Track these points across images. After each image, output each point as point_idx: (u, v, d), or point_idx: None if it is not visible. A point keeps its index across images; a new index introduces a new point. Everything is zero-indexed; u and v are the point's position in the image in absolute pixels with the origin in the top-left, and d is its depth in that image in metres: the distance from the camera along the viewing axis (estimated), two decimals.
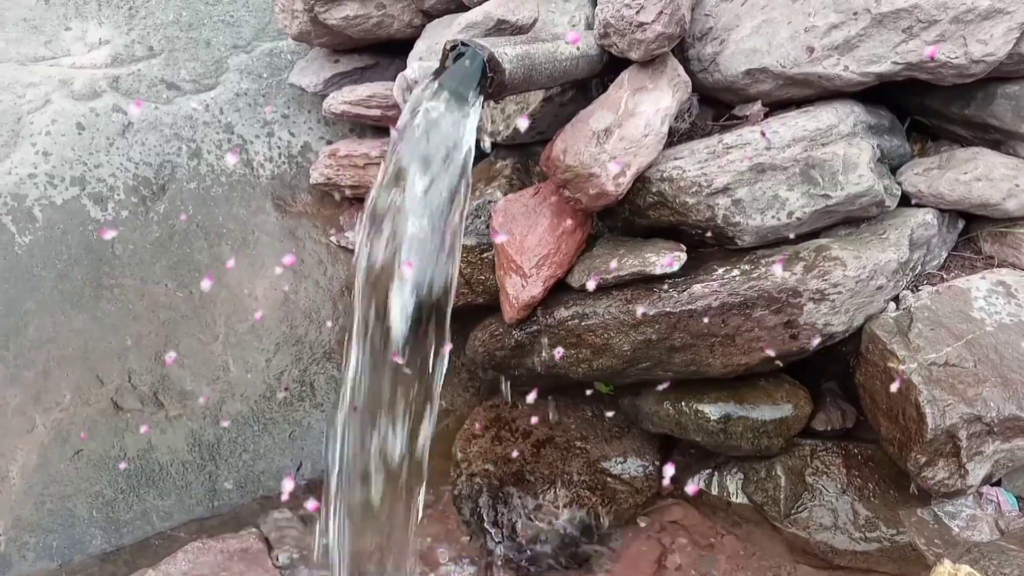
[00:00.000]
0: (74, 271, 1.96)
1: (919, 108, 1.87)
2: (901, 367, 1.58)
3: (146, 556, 1.71)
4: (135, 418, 1.88)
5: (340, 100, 2.16)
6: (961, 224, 1.86)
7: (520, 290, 1.75)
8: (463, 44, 1.41)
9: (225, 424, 1.93)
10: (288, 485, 1.84)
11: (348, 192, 2.22)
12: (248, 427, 1.98)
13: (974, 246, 1.87)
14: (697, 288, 1.66)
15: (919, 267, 1.77)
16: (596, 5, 1.69)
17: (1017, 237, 1.78)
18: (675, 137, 1.84)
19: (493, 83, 1.42)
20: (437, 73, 1.44)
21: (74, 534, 1.76)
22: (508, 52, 1.45)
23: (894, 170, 1.83)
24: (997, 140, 1.77)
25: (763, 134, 1.62)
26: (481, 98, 1.44)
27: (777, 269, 1.61)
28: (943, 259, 1.84)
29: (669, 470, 1.77)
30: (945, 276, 1.80)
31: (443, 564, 1.75)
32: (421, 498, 1.56)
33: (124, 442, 1.85)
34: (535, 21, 1.88)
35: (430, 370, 1.66)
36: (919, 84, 1.72)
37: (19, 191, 1.99)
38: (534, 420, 1.94)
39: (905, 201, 1.79)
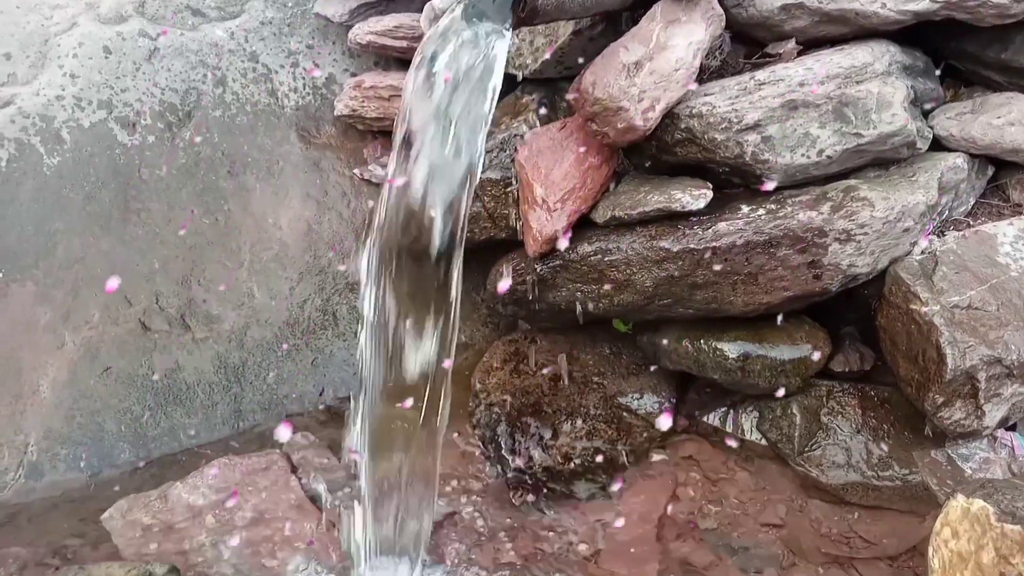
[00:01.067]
0: (102, 193, 1.98)
1: (954, 52, 1.84)
2: (923, 309, 1.58)
3: (173, 471, 1.76)
4: (162, 339, 1.92)
5: (366, 31, 2.15)
6: (991, 171, 1.85)
7: (544, 224, 1.76)
8: None
9: (249, 348, 1.96)
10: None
11: (373, 125, 2.22)
12: (272, 352, 2.01)
13: (1002, 193, 1.85)
14: (722, 226, 1.66)
15: (946, 212, 1.76)
16: None
17: None
18: (705, 75, 1.82)
19: (526, 7, 1.40)
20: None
21: (103, 447, 1.81)
22: None
23: (926, 114, 1.81)
24: None
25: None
26: (512, 22, 1.42)
27: (804, 208, 1.61)
28: (971, 205, 1.83)
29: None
30: (972, 222, 1.79)
31: (462, 488, 1.79)
32: (443, 420, 1.59)
33: (152, 361, 1.89)
34: None
35: (451, 298, 1.68)
36: (956, 26, 1.69)
37: (47, 112, 2.00)
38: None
39: (936, 147, 1.78)
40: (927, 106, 1.82)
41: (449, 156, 1.70)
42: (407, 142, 1.64)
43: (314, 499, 1.75)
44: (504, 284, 1.87)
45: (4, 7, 2.08)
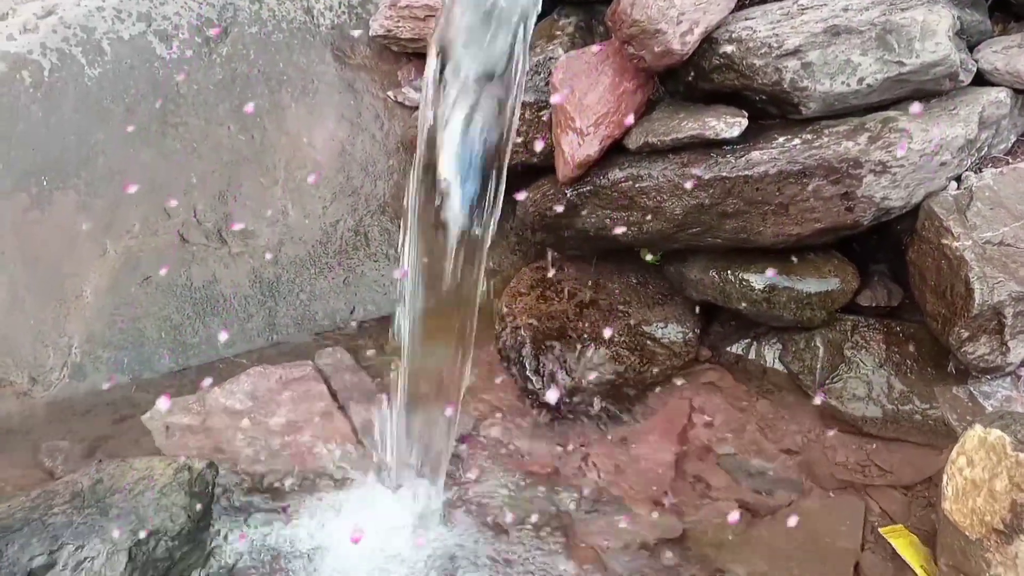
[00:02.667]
0: (141, 106, 2.01)
1: None
2: (955, 244, 1.57)
3: (211, 377, 1.83)
4: (200, 251, 1.97)
5: None
6: None
7: (576, 148, 1.76)
8: None
9: (283, 264, 2.01)
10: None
11: (408, 46, 2.21)
12: (305, 269, 2.06)
13: None
14: (755, 154, 1.65)
15: (985, 148, 1.73)
16: None
17: None
18: (746, 1, 1.79)
19: None
20: None
21: (144, 353, 1.88)
22: None
23: (972, 47, 1.77)
24: None
25: None
26: None
27: (841, 139, 1.59)
28: (1011, 143, 1.80)
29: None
30: (1011, 160, 1.76)
31: (486, 406, 1.84)
32: (470, 339, 1.63)
33: (190, 272, 1.95)
34: None
35: (483, 220, 1.71)
36: None
37: (88, 23, 2.02)
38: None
39: (980, 81, 1.74)
40: (973, 39, 1.78)
41: (486, 80, 1.71)
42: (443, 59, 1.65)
43: (343, 409, 1.81)
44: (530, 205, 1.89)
45: None
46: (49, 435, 1.69)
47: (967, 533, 1.33)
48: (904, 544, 1.46)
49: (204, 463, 1.48)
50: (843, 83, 1.59)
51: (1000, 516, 1.27)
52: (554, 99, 1.81)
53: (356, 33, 2.25)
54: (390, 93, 2.25)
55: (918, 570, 1.41)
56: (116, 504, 1.34)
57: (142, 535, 1.32)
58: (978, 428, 1.36)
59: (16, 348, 1.81)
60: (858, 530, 1.48)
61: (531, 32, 1.67)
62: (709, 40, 1.66)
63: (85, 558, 1.28)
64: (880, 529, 1.49)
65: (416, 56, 2.24)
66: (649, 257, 2.00)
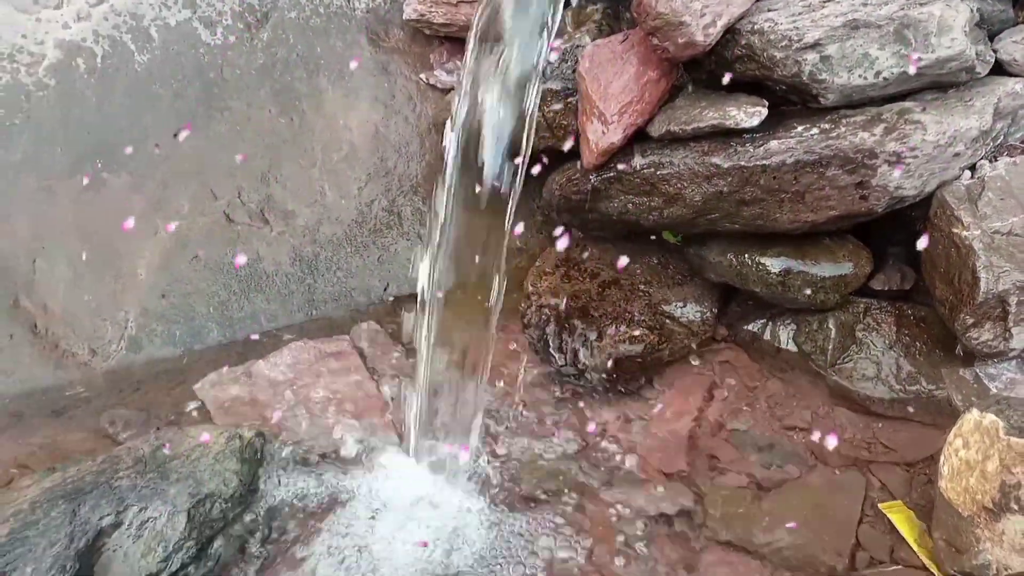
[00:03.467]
0: (187, 91, 2.11)
1: None
2: (964, 233, 1.63)
3: (255, 350, 1.96)
4: (244, 231, 2.09)
5: None
6: None
7: (600, 136, 1.83)
8: None
9: (321, 243, 2.12)
10: None
11: (440, 30, 2.28)
12: (342, 248, 2.17)
13: None
14: (774, 144, 1.71)
15: (1001, 137, 1.77)
16: None
17: None
18: None
19: None
20: None
21: (194, 326, 2.02)
22: None
23: (993, 36, 1.80)
24: None
25: None
26: None
27: (857, 129, 1.65)
28: None
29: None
30: None
31: (511, 380, 1.95)
32: (495, 317, 1.73)
33: (236, 251, 2.07)
34: None
35: (512, 198, 1.79)
36: None
37: (137, 11, 2.12)
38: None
39: (998, 70, 1.77)
40: (995, 27, 1.80)
41: (517, 67, 1.79)
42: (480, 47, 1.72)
43: (377, 381, 1.94)
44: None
45: None
46: (109, 403, 1.84)
47: (960, 510, 1.42)
48: (902, 519, 1.55)
49: (253, 432, 1.61)
50: (860, 76, 1.64)
51: (990, 495, 1.36)
52: (580, 87, 1.88)
53: (390, 16, 2.32)
54: (423, 75, 2.33)
55: (913, 544, 1.51)
56: (175, 469, 1.48)
57: (200, 498, 1.46)
58: (974, 412, 1.44)
59: (77, 321, 1.95)
60: (858, 505, 1.57)
61: (558, 22, 1.75)
62: (732, 31, 1.72)
63: (149, 518, 1.43)
64: (880, 504, 1.59)
65: (448, 39, 2.31)
66: (670, 237, 2.07)
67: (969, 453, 1.42)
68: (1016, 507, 1.32)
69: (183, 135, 2.06)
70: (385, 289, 2.19)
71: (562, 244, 1.97)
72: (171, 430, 1.61)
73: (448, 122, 1.86)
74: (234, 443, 1.56)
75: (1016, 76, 1.75)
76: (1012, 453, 1.33)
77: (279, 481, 1.66)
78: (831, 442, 1.66)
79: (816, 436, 1.70)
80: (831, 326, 1.88)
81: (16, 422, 1.77)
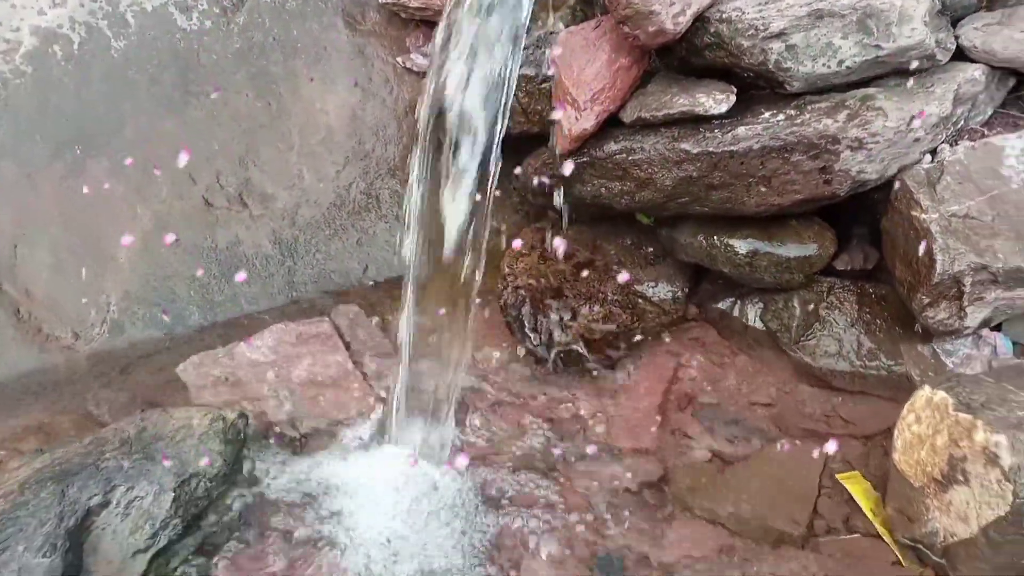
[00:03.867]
0: (164, 76, 2.13)
1: None
2: (923, 216, 1.69)
3: (237, 332, 2.00)
4: (224, 215, 2.12)
5: None
6: (1012, 82, 1.89)
7: (573, 123, 1.87)
8: None
9: (300, 226, 2.16)
10: None
11: (415, 14, 2.29)
12: (320, 231, 2.20)
13: (1021, 104, 1.91)
14: (741, 130, 1.76)
15: (962, 121, 1.83)
16: None
17: None
18: None
19: None
20: None
21: (175, 309, 2.05)
22: None
23: (956, 22, 1.84)
24: None
25: None
26: None
27: (821, 116, 1.70)
28: (988, 115, 1.89)
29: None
30: (987, 132, 1.86)
31: (489, 360, 2.01)
32: (473, 298, 1.78)
33: (215, 234, 2.10)
34: None
35: (487, 186, 1.83)
36: None
37: None
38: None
39: (961, 56, 1.82)
40: (958, 13, 1.85)
41: (490, 52, 1.81)
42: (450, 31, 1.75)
43: (358, 362, 1.99)
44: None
45: None
46: (93, 386, 1.87)
47: (912, 481, 1.50)
48: (858, 490, 1.63)
49: (236, 413, 1.66)
50: (824, 65, 1.69)
51: (939, 468, 1.44)
52: (554, 73, 1.92)
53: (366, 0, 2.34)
54: (399, 59, 2.35)
55: (868, 513, 1.59)
56: (160, 450, 1.53)
57: (184, 477, 1.51)
58: (926, 389, 1.51)
59: (60, 306, 1.98)
60: (816, 476, 1.65)
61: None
62: (701, 19, 1.75)
63: (135, 497, 1.48)
64: (837, 475, 1.66)
65: (424, 23, 2.33)
66: (644, 219, 2.13)
67: (921, 428, 1.49)
68: (962, 479, 1.40)
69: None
70: (364, 271, 2.23)
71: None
72: (156, 412, 1.65)
73: (420, 106, 1.89)
74: (217, 424, 1.60)
75: (976, 62, 1.81)
76: (959, 428, 1.40)
77: (262, 460, 1.72)
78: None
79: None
80: (796, 305, 1.94)
81: (2, 406, 1.80)
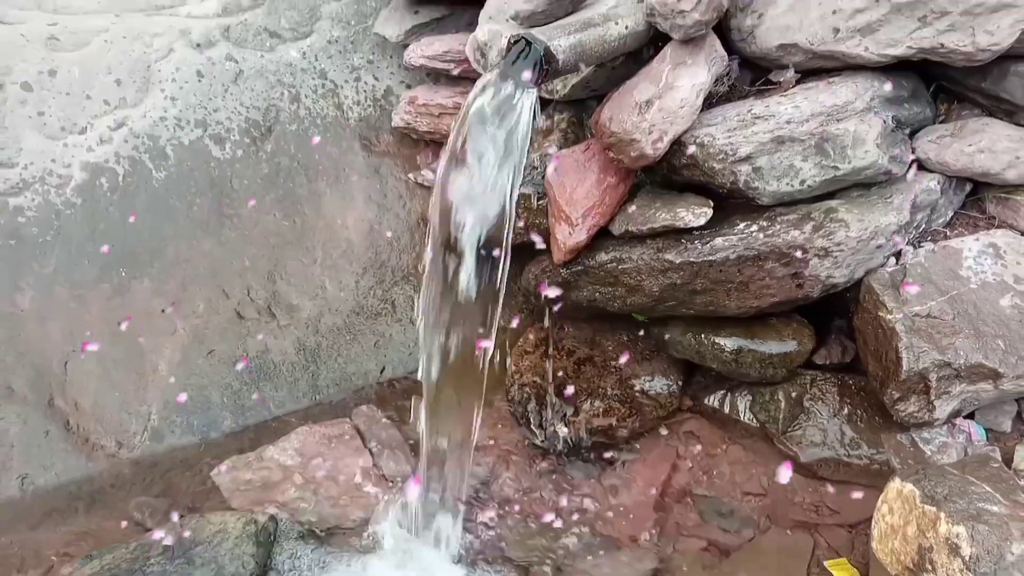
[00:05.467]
0: (201, 201, 2.36)
1: (944, 76, 2.04)
2: (888, 316, 1.85)
3: (265, 435, 2.18)
4: (254, 325, 2.32)
5: (419, 54, 2.45)
6: (969, 186, 2.06)
7: (568, 237, 2.06)
8: (524, 39, 1.68)
9: (323, 332, 2.35)
10: None
11: (424, 136, 2.53)
12: (341, 336, 2.39)
13: (980, 206, 2.07)
14: (719, 241, 1.94)
15: (923, 224, 2.00)
16: None
17: (1017, 202, 1.98)
18: (715, 99, 2.07)
19: (548, 72, 1.69)
20: (503, 61, 1.71)
21: (209, 416, 2.24)
22: (562, 43, 1.71)
23: (914, 134, 2.03)
24: (1010, 111, 1.95)
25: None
26: (538, 83, 1.71)
27: (789, 228, 1.88)
28: (949, 217, 2.06)
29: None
30: (949, 233, 2.02)
31: (497, 453, 2.16)
32: (482, 398, 1.94)
33: (246, 344, 2.29)
34: None
35: (493, 292, 2.01)
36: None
37: (153, 132, 2.38)
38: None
39: (920, 165, 2.00)
40: (915, 126, 2.04)
41: (493, 179, 2.02)
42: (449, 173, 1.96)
43: (376, 460, 2.14)
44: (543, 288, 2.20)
45: (113, 38, 2.45)
46: (135, 491, 2.05)
47: (889, 569, 1.61)
48: (844, 575, 1.75)
49: (266, 516, 1.82)
50: (788, 184, 1.88)
51: (911, 557, 1.56)
52: (549, 192, 2.12)
53: (380, 123, 2.58)
54: (411, 175, 2.58)
55: None
56: (199, 555, 1.69)
57: None
58: (897, 481, 1.64)
59: (105, 416, 2.17)
60: (804, 564, 1.77)
61: (529, 131, 1.98)
62: (678, 143, 1.95)
63: None
64: (826, 562, 1.78)
65: (432, 143, 2.57)
66: (638, 317, 2.29)
67: (893, 518, 1.62)
68: (930, 568, 1.51)
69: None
70: (381, 372, 2.41)
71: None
72: (194, 518, 1.81)
73: (432, 218, 2.09)
74: (250, 528, 1.76)
75: (932, 172, 1.99)
76: (926, 519, 1.53)
77: (290, 557, 1.86)
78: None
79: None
80: (781, 397, 2.09)
81: (54, 512, 1.98)
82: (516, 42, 1.69)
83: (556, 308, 2.20)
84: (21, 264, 2.20)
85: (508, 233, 2.00)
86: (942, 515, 1.50)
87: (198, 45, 2.50)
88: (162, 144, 2.37)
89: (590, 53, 1.83)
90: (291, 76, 2.54)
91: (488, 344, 2.01)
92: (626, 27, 1.89)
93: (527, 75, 1.72)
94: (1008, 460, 1.91)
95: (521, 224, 2.24)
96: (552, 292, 2.16)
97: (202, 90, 2.45)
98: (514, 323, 2.47)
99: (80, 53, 2.39)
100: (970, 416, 1.99)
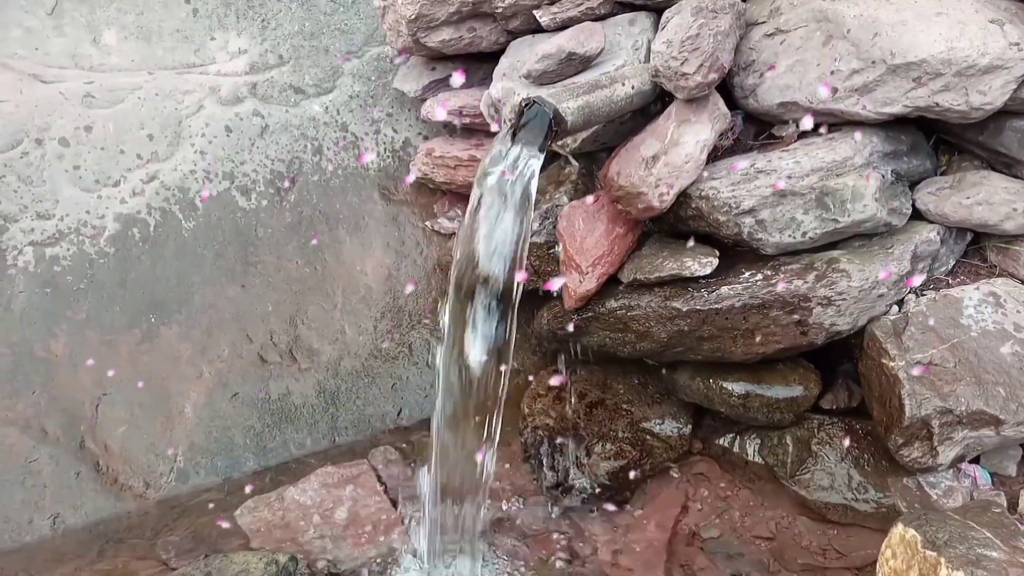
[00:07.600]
0: (227, 251, 2.46)
1: (944, 129, 2.11)
2: (891, 364, 1.90)
3: (286, 476, 2.25)
4: (276, 369, 2.40)
5: (436, 108, 2.55)
6: (970, 236, 2.12)
7: (578, 285, 2.14)
8: (533, 101, 1.77)
9: (342, 376, 2.43)
10: None
11: (441, 186, 2.63)
12: (360, 379, 2.47)
13: (981, 254, 2.13)
14: (724, 290, 2.01)
15: (926, 273, 2.05)
16: (658, 30, 2.00)
17: (1017, 251, 2.04)
18: (720, 151, 2.16)
19: (558, 133, 1.78)
20: (514, 123, 1.80)
21: (233, 457, 2.31)
22: (570, 106, 1.80)
23: (914, 185, 2.10)
24: (1008, 163, 2.02)
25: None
26: (548, 144, 1.80)
27: (792, 277, 1.94)
28: (951, 266, 2.11)
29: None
30: (951, 281, 2.08)
31: (511, 495, 2.21)
32: (495, 443, 2.00)
33: (268, 387, 2.38)
34: (601, 50, 2.20)
35: (504, 340, 2.08)
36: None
37: (183, 185, 2.49)
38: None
39: (919, 215, 2.06)
40: (915, 178, 2.10)
41: (505, 233, 2.10)
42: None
43: (393, 501, 2.21)
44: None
45: (146, 95, 2.58)
46: (161, 531, 2.12)
47: None
48: None
49: (287, 556, 1.89)
50: (790, 235, 1.95)
51: None
52: (560, 242, 2.20)
53: (399, 173, 2.69)
54: (428, 223, 2.67)
55: None
56: None
57: None
58: (900, 526, 1.68)
59: (133, 458, 2.25)
60: None
61: (535, 194, 2.06)
62: (684, 195, 2.03)
63: None
64: None
65: (449, 192, 2.66)
66: (647, 360, 2.35)
67: (896, 563, 1.65)
68: None
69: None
70: (399, 414, 2.48)
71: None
72: (218, 557, 1.88)
73: (451, 266, 2.17)
74: (271, 568, 1.83)
75: (932, 223, 2.05)
76: (927, 564, 1.57)
77: None
78: None
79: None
80: (789, 441, 2.13)
81: (86, 551, 2.05)
82: (528, 106, 1.78)
83: (569, 353, 2.27)
84: (56, 311, 2.31)
85: (518, 281, 2.09)
86: (942, 560, 1.54)
87: (227, 101, 2.63)
88: (191, 196, 2.49)
89: (598, 113, 1.92)
90: (314, 129, 2.66)
91: (501, 389, 2.09)
92: (632, 87, 1.98)
93: (535, 141, 1.80)
94: (1013, 504, 1.95)
95: (534, 272, 2.32)
96: (565, 336, 2.23)
97: (230, 144, 2.57)
98: (527, 366, 2.54)
99: (114, 109, 2.52)
100: (975, 460, 2.03)
